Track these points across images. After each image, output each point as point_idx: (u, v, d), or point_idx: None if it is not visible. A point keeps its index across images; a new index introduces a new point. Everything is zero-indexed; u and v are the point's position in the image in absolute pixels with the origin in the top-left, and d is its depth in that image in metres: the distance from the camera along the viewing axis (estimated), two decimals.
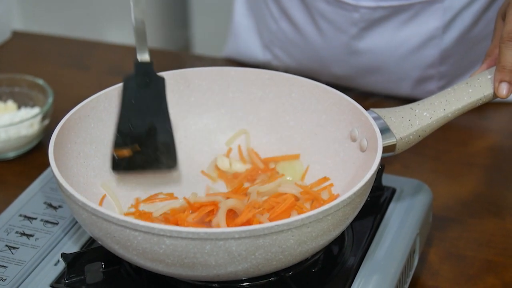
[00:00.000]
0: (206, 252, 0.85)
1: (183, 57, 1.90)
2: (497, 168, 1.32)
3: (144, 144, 1.01)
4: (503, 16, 1.07)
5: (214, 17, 2.86)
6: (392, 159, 1.00)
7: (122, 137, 1.01)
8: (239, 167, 1.10)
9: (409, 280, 1.05)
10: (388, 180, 1.11)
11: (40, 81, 1.40)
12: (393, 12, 1.37)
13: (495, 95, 1.02)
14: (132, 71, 1.02)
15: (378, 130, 0.98)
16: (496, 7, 1.39)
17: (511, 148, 1.39)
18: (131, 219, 0.85)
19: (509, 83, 1.00)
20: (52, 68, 1.60)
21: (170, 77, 1.11)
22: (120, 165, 1.01)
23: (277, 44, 1.51)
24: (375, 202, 1.07)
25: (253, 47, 1.57)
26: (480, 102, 1.02)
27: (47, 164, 1.20)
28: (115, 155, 1.01)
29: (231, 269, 0.87)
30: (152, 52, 1.66)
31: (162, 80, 1.03)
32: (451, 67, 1.44)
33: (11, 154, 1.35)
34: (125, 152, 1.01)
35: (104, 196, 1.04)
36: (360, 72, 1.45)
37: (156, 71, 1.03)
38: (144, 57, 1.02)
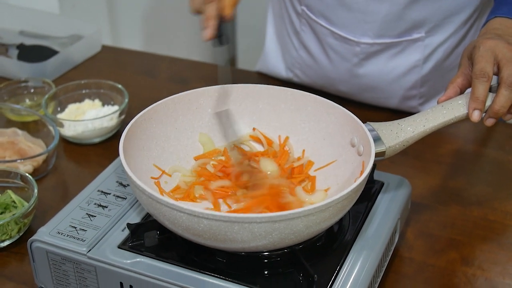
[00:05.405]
0: (234, 231, 0.80)
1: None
2: (460, 166, 1.26)
3: None
4: (468, 56, 0.99)
5: (250, 41, 2.84)
6: None
7: None
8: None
9: (390, 253, 1.00)
10: (378, 175, 1.05)
11: (119, 86, 1.37)
12: (386, 47, 1.31)
13: (465, 116, 0.95)
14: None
15: (372, 140, 0.92)
16: (463, 45, 1.33)
17: (471, 151, 1.32)
18: (178, 203, 0.80)
19: (480, 110, 0.94)
20: (129, 75, 1.56)
21: (216, 90, 1.05)
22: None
23: (297, 67, 1.45)
24: (367, 193, 1.01)
25: (279, 68, 1.51)
26: (452, 121, 0.96)
27: None
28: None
29: (253, 245, 0.82)
30: (204, 66, 1.61)
31: None
32: (428, 89, 1.38)
33: (96, 140, 1.32)
34: None
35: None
36: (360, 90, 1.38)
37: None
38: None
